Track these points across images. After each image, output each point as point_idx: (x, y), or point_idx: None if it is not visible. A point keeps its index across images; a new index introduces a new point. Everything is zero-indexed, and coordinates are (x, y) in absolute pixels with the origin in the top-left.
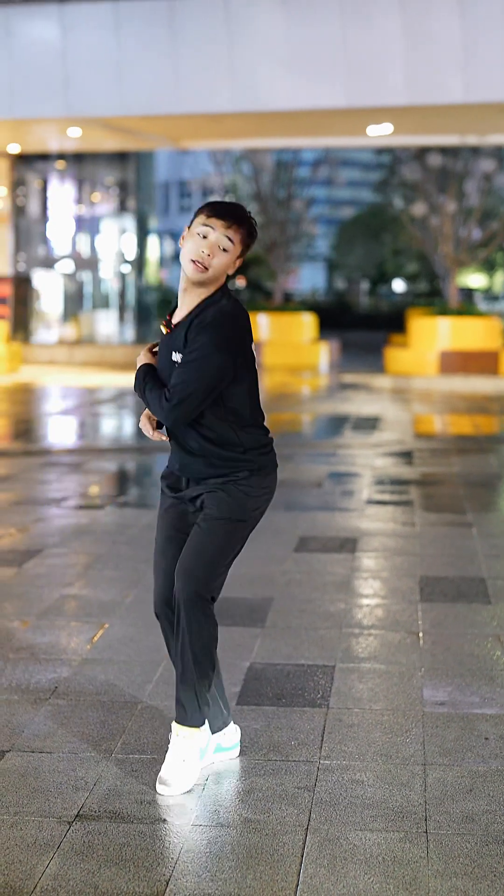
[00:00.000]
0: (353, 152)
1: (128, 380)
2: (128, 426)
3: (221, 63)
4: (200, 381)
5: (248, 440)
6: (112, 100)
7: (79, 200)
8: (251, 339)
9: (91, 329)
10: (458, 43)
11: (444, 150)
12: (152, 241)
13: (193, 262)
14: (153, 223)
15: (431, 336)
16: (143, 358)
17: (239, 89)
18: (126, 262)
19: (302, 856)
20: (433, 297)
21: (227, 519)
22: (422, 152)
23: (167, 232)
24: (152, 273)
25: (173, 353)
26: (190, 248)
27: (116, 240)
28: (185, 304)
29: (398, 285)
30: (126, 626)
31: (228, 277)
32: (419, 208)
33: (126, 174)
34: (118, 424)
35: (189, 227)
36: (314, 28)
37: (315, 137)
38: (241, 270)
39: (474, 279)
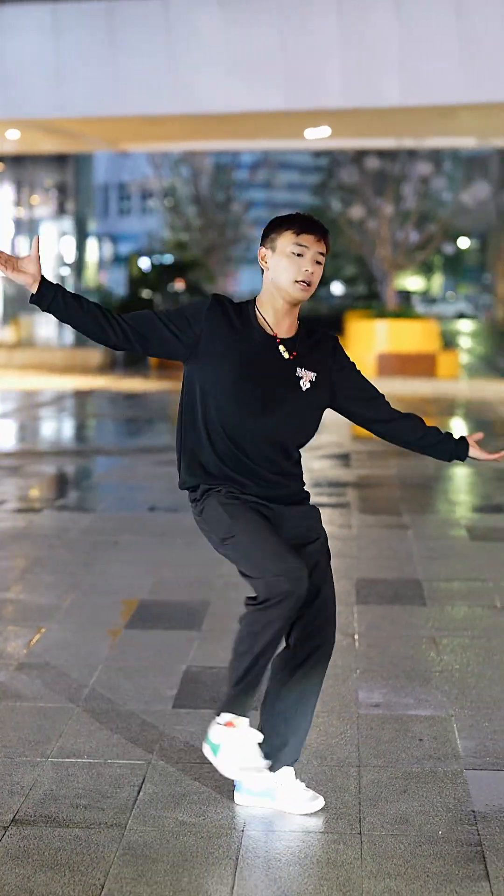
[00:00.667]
0: (292, 155)
1: (67, 383)
2: (66, 429)
3: (160, 65)
4: None
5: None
6: (51, 102)
7: (17, 203)
8: None
9: (30, 332)
10: (395, 46)
11: (382, 154)
12: (91, 244)
13: (298, 282)
14: (92, 226)
15: (369, 339)
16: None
17: (178, 92)
18: (65, 264)
19: (237, 858)
20: (371, 300)
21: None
22: (359, 155)
23: (106, 234)
24: (91, 276)
25: (298, 369)
26: (288, 268)
27: (56, 242)
28: (286, 324)
29: (336, 288)
30: (63, 630)
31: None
32: (357, 211)
33: (65, 177)
34: (57, 427)
35: (268, 247)
36: (253, 31)
37: (253, 140)
38: (180, 273)
39: (412, 282)
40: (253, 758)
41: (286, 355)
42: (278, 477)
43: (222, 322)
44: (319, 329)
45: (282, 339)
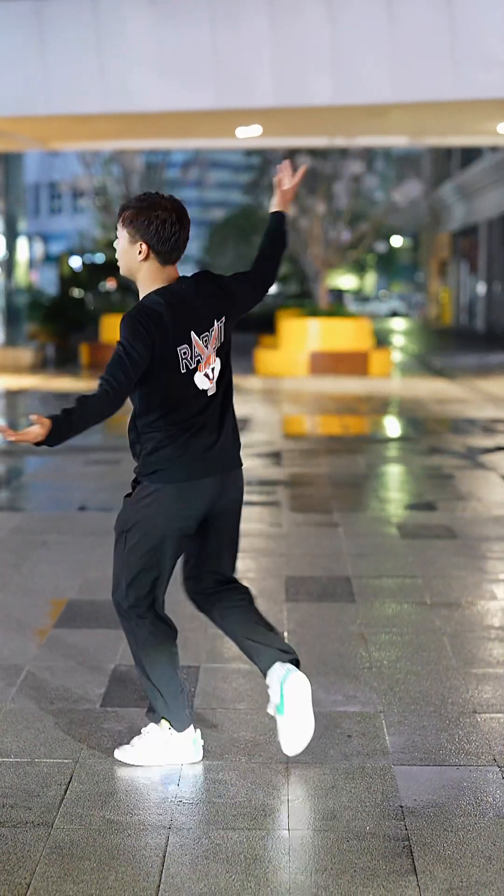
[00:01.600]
0: (223, 154)
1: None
2: None
3: (90, 64)
4: None
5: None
6: None
7: None
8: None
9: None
10: (326, 45)
11: (314, 152)
12: (22, 243)
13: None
14: (23, 225)
15: (301, 337)
16: None
17: (108, 90)
18: None
19: (164, 855)
20: (303, 299)
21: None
22: (291, 154)
23: (37, 234)
24: (22, 275)
25: None
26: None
27: None
28: None
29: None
30: None
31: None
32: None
33: None
34: None
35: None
36: (183, 30)
37: (185, 139)
38: (111, 272)
39: (344, 280)
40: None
41: None
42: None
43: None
44: None
45: None
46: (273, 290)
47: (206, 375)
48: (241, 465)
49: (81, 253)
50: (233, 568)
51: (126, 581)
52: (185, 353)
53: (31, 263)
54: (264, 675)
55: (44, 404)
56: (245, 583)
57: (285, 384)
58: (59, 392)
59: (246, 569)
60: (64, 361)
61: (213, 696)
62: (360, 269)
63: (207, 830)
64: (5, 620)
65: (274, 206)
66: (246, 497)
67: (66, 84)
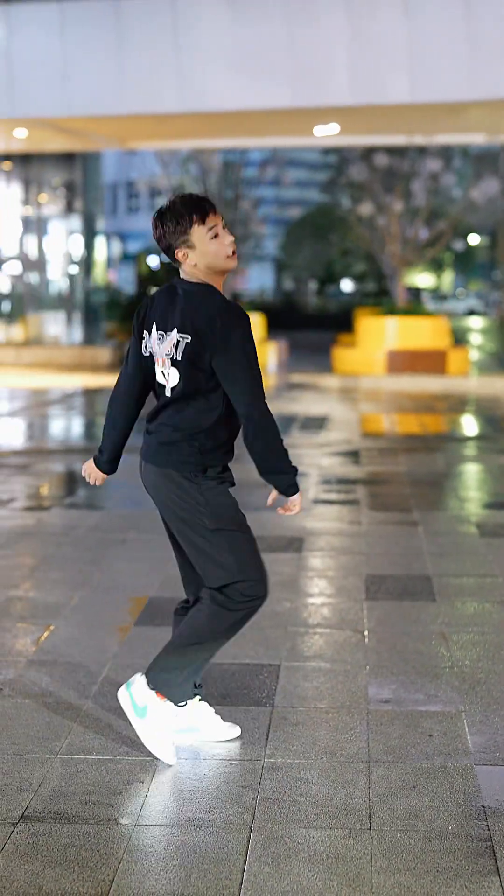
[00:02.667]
0: (300, 152)
1: (75, 381)
2: (76, 427)
3: (168, 63)
4: None
5: None
6: (58, 100)
7: (26, 202)
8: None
9: (39, 330)
10: (404, 43)
11: (391, 150)
12: (100, 242)
13: (233, 254)
14: (101, 224)
15: (379, 336)
16: None
17: (185, 90)
18: (74, 263)
19: (246, 854)
20: (381, 297)
21: None
22: (368, 152)
23: (115, 233)
24: (100, 274)
25: None
26: (218, 251)
27: (64, 241)
28: None
29: (346, 285)
30: (71, 627)
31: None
32: (366, 208)
33: (73, 175)
34: (66, 426)
35: (186, 241)
36: (260, 28)
37: (262, 138)
38: None
39: (422, 279)
40: (168, 737)
41: None
42: None
43: None
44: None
45: None
46: (350, 288)
47: (163, 373)
48: (163, 465)
49: (159, 252)
50: (202, 581)
51: None
52: (144, 336)
53: (109, 262)
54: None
55: None
56: (324, 581)
57: (363, 383)
58: None
59: (325, 567)
60: None
61: (293, 694)
62: (437, 267)
63: (289, 829)
64: (86, 618)
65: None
66: (324, 496)
67: (143, 83)
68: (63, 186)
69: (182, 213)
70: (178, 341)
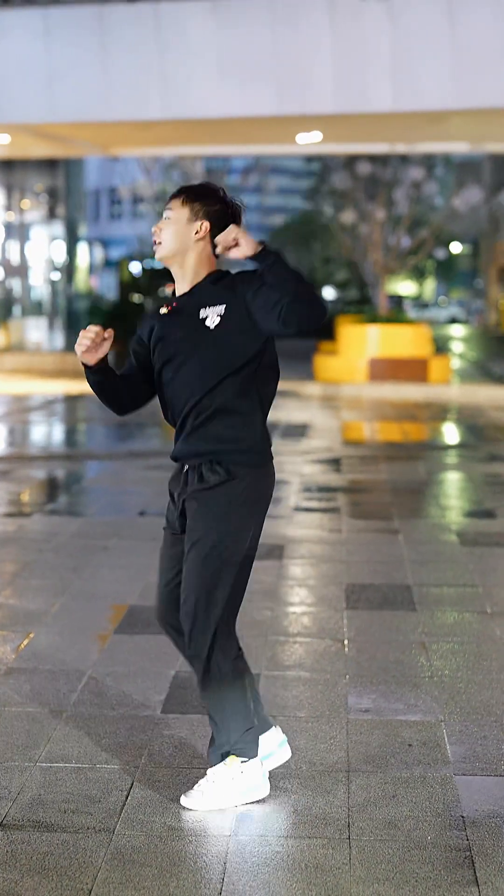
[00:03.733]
0: (283, 160)
1: (57, 387)
2: (57, 434)
3: (152, 70)
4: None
5: None
6: (41, 106)
7: (8, 207)
8: None
9: (20, 336)
10: (387, 52)
11: (374, 159)
12: (82, 249)
13: (154, 244)
14: (83, 230)
15: (361, 343)
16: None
17: (169, 96)
18: (56, 269)
19: (225, 863)
20: (363, 305)
21: None
22: (351, 160)
23: (97, 239)
24: (82, 280)
25: (201, 310)
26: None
27: (46, 247)
28: (186, 283)
29: (328, 293)
30: (52, 634)
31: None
32: (348, 216)
33: (56, 181)
34: (47, 432)
35: None
36: (244, 36)
37: (245, 145)
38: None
39: (404, 287)
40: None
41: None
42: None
43: (147, 323)
44: (227, 272)
45: (177, 298)
46: (332, 295)
47: None
48: None
49: (141, 258)
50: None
51: None
52: None
53: (92, 269)
54: None
55: (103, 410)
56: (305, 590)
57: (344, 390)
58: None
59: (306, 575)
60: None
61: (273, 703)
62: (419, 275)
63: (268, 838)
64: (66, 625)
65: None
66: (305, 503)
67: (127, 90)
68: (46, 192)
69: None
70: None
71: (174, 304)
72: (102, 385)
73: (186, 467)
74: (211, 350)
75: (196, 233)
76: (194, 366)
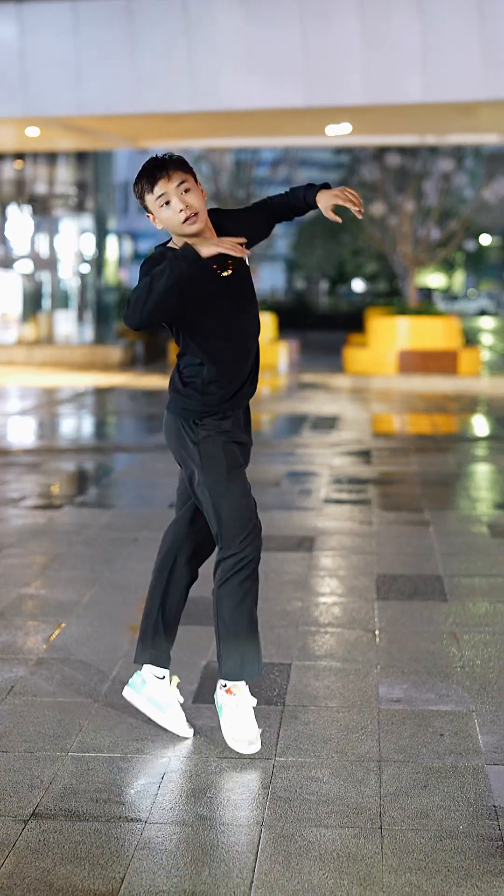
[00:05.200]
0: (312, 152)
1: (86, 380)
2: (86, 426)
3: (180, 63)
4: None
5: None
6: (70, 100)
7: (36, 200)
8: None
9: (50, 329)
10: (417, 43)
11: (403, 150)
12: (111, 241)
13: (186, 220)
14: (112, 223)
15: (390, 336)
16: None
17: (198, 89)
18: (85, 262)
19: (257, 852)
20: (392, 297)
21: None
22: (380, 152)
23: (126, 232)
24: (111, 273)
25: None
26: (171, 218)
27: (75, 240)
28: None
29: (357, 285)
30: (83, 625)
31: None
32: (378, 208)
33: (85, 174)
34: (77, 424)
35: (146, 208)
36: (273, 28)
37: (274, 137)
38: None
39: (433, 279)
40: (249, 725)
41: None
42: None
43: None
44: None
45: (225, 260)
46: (361, 288)
47: None
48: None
49: None
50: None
51: None
52: None
53: (121, 262)
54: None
55: (132, 402)
56: (335, 581)
57: (374, 382)
58: (147, 390)
59: (337, 566)
60: (152, 359)
61: (304, 693)
62: (448, 267)
63: (300, 828)
64: (97, 617)
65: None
66: (335, 495)
67: (156, 82)
68: (75, 185)
69: (137, 181)
70: None
71: (230, 265)
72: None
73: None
74: (253, 301)
75: (203, 194)
76: (253, 317)
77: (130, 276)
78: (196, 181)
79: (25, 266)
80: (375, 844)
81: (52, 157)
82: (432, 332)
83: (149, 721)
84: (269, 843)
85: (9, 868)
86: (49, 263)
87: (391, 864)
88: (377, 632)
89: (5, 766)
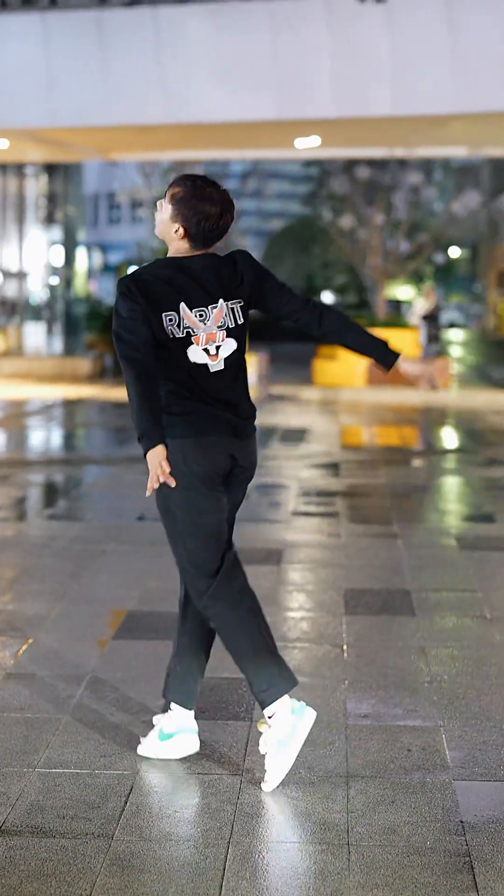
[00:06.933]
0: (282, 164)
1: (56, 391)
2: (56, 438)
3: (150, 74)
4: None
5: None
6: (41, 111)
7: (4, 212)
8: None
9: (19, 341)
10: (386, 56)
11: (372, 163)
12: (81, 253)
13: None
14: (82, 235)
15: None
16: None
17: (168, 101)
18: (54, 273)
19: (224, 869)
20: (362, 310)
21: None
22: (350, 165)
23: (96, 244)
24: (81, 285)
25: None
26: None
27: (45, 251)
28: None
29: (327, 297)
30: (51, 640)
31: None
32: (347, 220)
33: (55, 185)
34: (45, 437)
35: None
36: (243, 40)
37: (244, 149)
38: None
39: (403, 291)
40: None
41: None
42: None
43: None
44: None
45: None
46: (331, 300)
47: (206, 350)
48: (253, 435)
49: (140, 263)
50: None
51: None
52: (170, 321)
53: (90, 273)
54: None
55: (102, 413)
56: (303, 595)
57: (343, 395)
58: (117, 402)
59: (305, 581)
60: (121, 371)
61: None
62: (418, 279)
63: (267, 844)
64: (66, 630)
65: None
66: (303, 507)
67: (127, 94)
68: (44, 197)
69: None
70: (231, 309)
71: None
72: None
73: None
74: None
75: (176, 232)
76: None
77: (100, 288)
78: (177, 218)
79: None
80: (343, 860)
81: (21, 169)
82: (401, 345)
83: (115, 737)
84: (237, 860)
85: None
86: (18, 275)
87: (359, 880)
88: (345, 647)
89: None
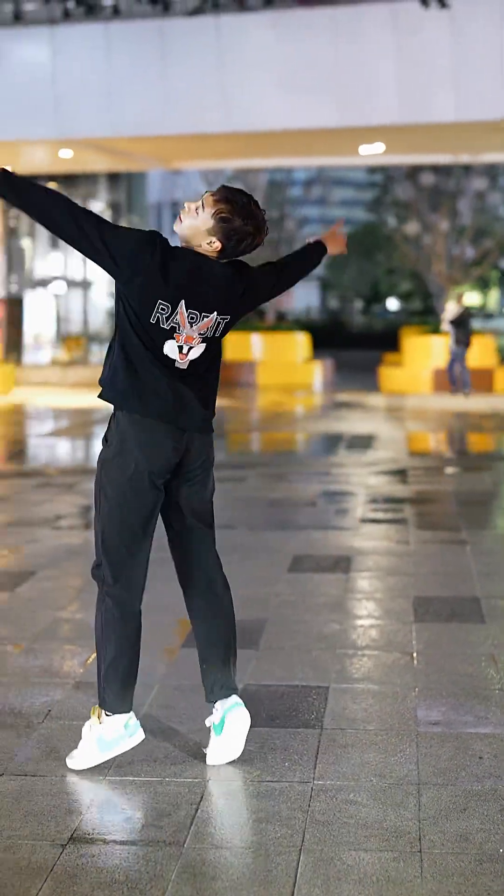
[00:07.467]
0: (346, 171)
1: None
2: None
3: (212, 83)
4: None
5: None
6: (103, 121)
7: None
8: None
9: (84, 351)
10: (450, 62)
11: (437, 169)
12: None
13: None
14: None
15: (425, 354)
16: None
17: (230, 109)
18: None
19: (296, 876)
20: (427, 316)
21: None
22: (414, 171)
23: None
24: None
25: None
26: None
27: None
28: None
29: (392, 304)
30: None
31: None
32: (412, 227)
33: (118, 195)
34: None
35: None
36: (306, 47)
37: (307, 157)
38: None
39: (468, 297)
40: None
41: None
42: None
43: None
44: None
45: None
46: (396, 307)
47: (179, 348)
48: (210, 433)
49: None
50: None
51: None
52: (163, 310)
53: None
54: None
55: None
56: (372, 603)
57: (409, 401)
58: None
59: (374, 588)
60: None
61: (342, 716)
62: (483, 285)
63: (339, 851)
64: None
65: (322, 240)
66: (372, 514)
67: (188, 103)
68: (108, 206)
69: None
70: (218, 322)
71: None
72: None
73: None
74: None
75: (210, 244)
76: None
77: None
78: (215, 231)
79: (59, 287)
80: (415, 868)
81: (85, 178)
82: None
83: (185, 745)
84: (308, 868)
85: (46, 893)
86: (82, 284)
87: (431, 887)
88: (415, 654)
89: (43, 791)
